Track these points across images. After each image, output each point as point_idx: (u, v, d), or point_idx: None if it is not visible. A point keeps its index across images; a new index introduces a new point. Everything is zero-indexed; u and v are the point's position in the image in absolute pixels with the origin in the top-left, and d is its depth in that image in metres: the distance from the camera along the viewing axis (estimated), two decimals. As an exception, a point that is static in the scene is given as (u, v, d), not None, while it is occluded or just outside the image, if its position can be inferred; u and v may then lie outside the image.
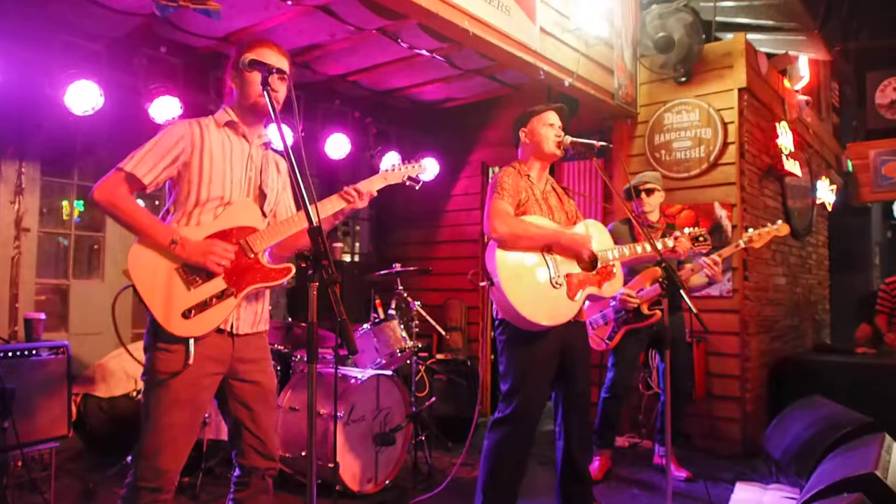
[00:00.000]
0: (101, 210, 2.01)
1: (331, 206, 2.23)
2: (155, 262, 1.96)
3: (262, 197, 2.19)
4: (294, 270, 2.15)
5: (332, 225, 2.33)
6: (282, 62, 2.14)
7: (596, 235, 2.88)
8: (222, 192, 2.08)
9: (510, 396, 2.71)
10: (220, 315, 2.02)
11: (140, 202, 2.05)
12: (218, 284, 2.01)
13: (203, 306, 1.98)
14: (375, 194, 2.34)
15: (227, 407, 2.12)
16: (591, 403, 2.96)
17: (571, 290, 2.74)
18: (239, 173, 2.13)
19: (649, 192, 3.86)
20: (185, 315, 1.95)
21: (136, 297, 1.94)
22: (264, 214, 2.19)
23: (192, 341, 1.96)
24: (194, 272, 1.99)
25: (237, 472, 2.15)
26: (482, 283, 2.77)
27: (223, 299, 2.01)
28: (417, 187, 2.56)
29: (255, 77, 2.07)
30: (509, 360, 2.74)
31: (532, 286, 2.66)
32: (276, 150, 2.31)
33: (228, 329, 2.07)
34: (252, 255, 2.08)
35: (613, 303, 3.77)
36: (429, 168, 5.92)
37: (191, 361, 1.95)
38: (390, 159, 5.62)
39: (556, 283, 2.71)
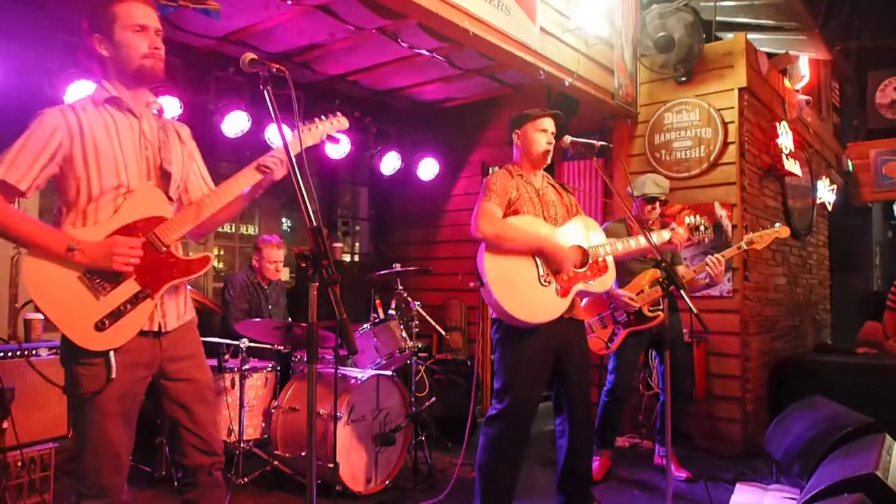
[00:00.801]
0: None
1: (245, 181, 2.02)
2: (54, 273, 1.76)
3: (165, 177, 1.96)
4: (212, 260, 2.01)
5: (249, 200, 2.13)
6: (154, 18, 1.91)
7: (588, 231, 2.89)
8: (117, 181, 1.85)
9: (502, 394, 2.74)
10: (139, 319, 1.85)
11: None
12: (130, 287, 1.83)
13: (117, 314, 1.80)
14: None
15: (162, 408, 1.99)
16: (591, 402, 2.96)
17: (561, 287, 2.75)
18: (132, 155, 1.89)
19: (664, 203, 3.88)
20: (99, 327, 1.77)
21: (42, 316, 1.78)
22: (170, 198, 1.97)
23: (112, 353, 1.79)
24: (100, 277, 1.79)
25: (180, 473, 2.05)
26: (471, 284, 2.77)
27: (138, 303, 1.84)
28: (337, 143, 2.39)
29: (132, 38, 1.86)
30: (502, 358, 2.77)
31: (520, 285, 2.69)
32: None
33: (155, 328, 1.90)
34: (164, 249, 1.89)
35: (612, 304, 3.76)
36: (429, 167, 5.93)
37: (113, 375, 1.78)
38: (390, 160, 5.63)
39: (545, 280, 2.72)
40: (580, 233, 2.87)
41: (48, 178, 1.84)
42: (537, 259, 2.73)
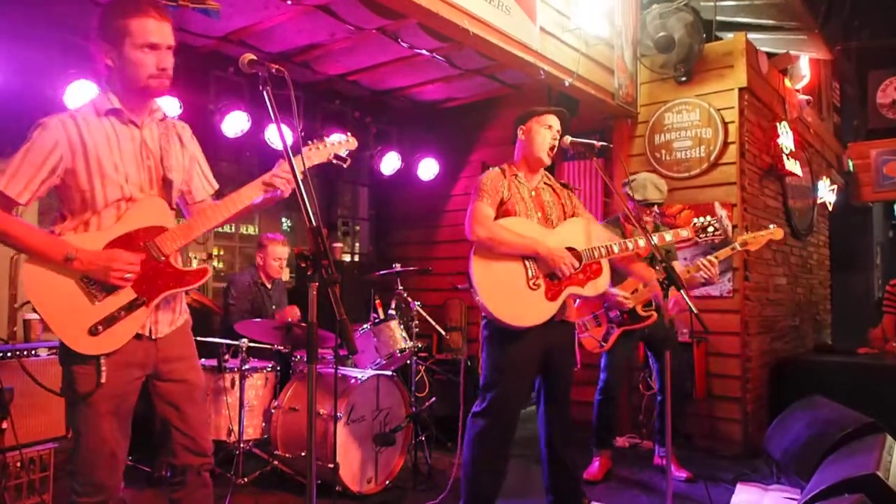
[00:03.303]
0: None
1: (249, 196, 2.00)
2: (52, 277, 1.79)
3: (167, 186, 1.97)
4: (210, 273, 2.04)
5: (257, 210, 2.12)
6: (168, 34, 1.87)
7: (584, 233, 2.85)
8: (120, 194, 1.87)
9: (486, 391, 2.76)
10: (132, 326, 1.87)
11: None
12: (126, 295, 1.85)
13: (111, 320, 1.82)
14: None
15: (154, 407, 2.00)
16: (571, 400, 2.97)
17: (550, 291, 2.72)
18: (133, 167, 1.90)
19: (660, 205, 3.89)
20: (92, 332, 1.79)
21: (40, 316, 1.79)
22: (171, 206, 1.99)
23: (102, 358, 1.81)
24: (97, 283, 1.82)
25: (169, 473, 2.06)
26: (458, 286, 2.76)
27: (133, 310, 1.86)
28: (346, 165, 2.22)
29: (142, 57, 1.82)
30: (489, 356, 2.79)
31: (507, 288, 2.68)
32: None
33: (147, 334, 1.92)
34: (162, 259, 1.91)
35: (606, 303, 3.75)
36: (429, 167, 5.93)
37: (103, 380, 1.80)
38: (390, 160, 5.63)
39: (534, 284, 2.70)
40: (575, 234, 2.82)
41: (49, 189, 1.84)
42: (527, 262, 2.71)
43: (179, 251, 1.99)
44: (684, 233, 3.11)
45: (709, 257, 3.59)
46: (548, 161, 2.90)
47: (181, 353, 2.03)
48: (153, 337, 1.94)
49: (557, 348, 2.82)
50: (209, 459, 2.07)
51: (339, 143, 2.16)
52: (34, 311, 1.80)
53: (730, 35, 5.13)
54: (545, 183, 2.96)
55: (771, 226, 3.66)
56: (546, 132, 2.87)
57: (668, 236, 3.07)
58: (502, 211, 2.78)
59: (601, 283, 2.85)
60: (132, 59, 1.84)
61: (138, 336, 1.90)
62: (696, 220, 3.19)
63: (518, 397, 2.78)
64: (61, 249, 1.79)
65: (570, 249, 2.77)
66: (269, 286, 4.37)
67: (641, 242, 2.85)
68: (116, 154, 1.88)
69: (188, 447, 2.01)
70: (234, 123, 4.36)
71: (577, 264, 2.72)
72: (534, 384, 2.93)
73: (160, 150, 1.98)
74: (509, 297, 2.68)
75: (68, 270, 1.80)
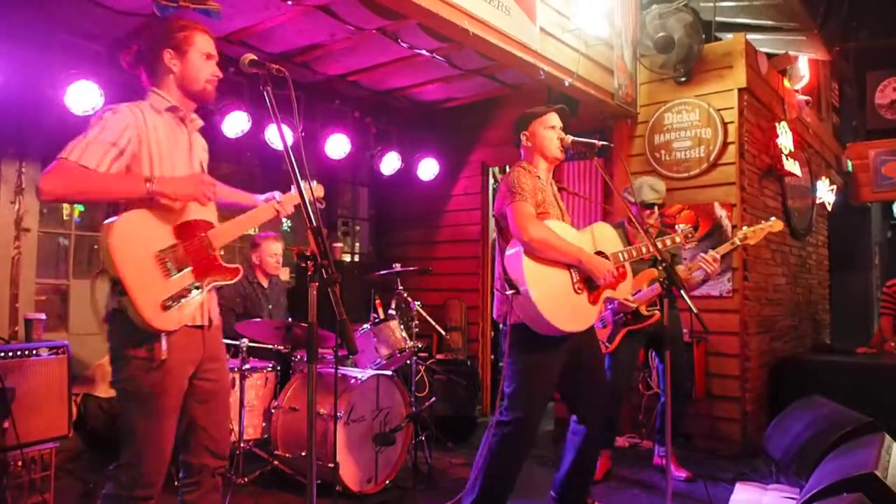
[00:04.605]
0: (54, 201, 1.94)
1: (263, 216, 2.27)
2: (134, 248, 1.86)
3: None
4: (242, 271, 2.15)
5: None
6: (214, 48, 2.13)
7: (605, 238, 2.89)
8: None
9: (518, 400, 2.72)
10: (193, 309, 1.98)
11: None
12: (188, 277, 1.96)
13: (179, 298, 1.92)
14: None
15: (184, 405, 2.05)
16: (612, 404, 2.99)
17: (591, 296, 2.75)
18: (185, 163, 2.07)
19: (662, 206, 3.89)
20: (165, 307, 1.87)
21: (113, 283, 1.81)
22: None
23: (164, 337, 1.87)
24: (169, 259, 1.91)
25: (182, 473, 2.10)
26: (509, 292, 2.68)
27: (194, 292, 1.98)
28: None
29: (203, 63, 2.06)
30: (517, 365, 2.73)
31: (558, 293, 2.66)
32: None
33: (206, 322, 2.04)
34: (212, 251, 2.06)
35: (611, 305, 3.76)
36: (429, 167, 5.94)
37: (164, 357, 1.87)
38: (390, 160, 5.65)
39: (578, 288, 2.71)
40: (601, 240, 2.87)
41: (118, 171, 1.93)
42: (571, 267, 2.72)
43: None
44: (678, 238, 3.34)
45: (710, 253, 3.63)
46: (562, 156, 2.91)
47: (218, 354, 2.14)
48: (212, 324, 2.08)
49: (585, 350, 2.83)
50: (225, 462, 2.16)
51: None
52: (114, 272, 1.81)
53: (729, 36, 5.14)
54: (556, 188, 2.99)
55: (772, 218, 3.69)
56: (551, 133, 2.87)
57: (668, 241, 3.25)
58: (538, 214, 2.75)
59: (628, 286, 2.92)
60: (196, 63, 2.06)
61: (198, 326, 2.02)
62: (678, 226, 3.42)
63: (543, 405, 2.79)
64: (138, 177, 1.89)
65: (600, 254, 2.81)
66: (265, 286, 4.35)
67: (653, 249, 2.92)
68: (174, 148, 2.04)
69: (209, 447, 2.09)
70: (235, 123, 4.36)
71: (615, 272, 2.75)
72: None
73: (200, 154, 2.18)
74: (561, 301, 2.66)
75: (151, 242, 1.88)
